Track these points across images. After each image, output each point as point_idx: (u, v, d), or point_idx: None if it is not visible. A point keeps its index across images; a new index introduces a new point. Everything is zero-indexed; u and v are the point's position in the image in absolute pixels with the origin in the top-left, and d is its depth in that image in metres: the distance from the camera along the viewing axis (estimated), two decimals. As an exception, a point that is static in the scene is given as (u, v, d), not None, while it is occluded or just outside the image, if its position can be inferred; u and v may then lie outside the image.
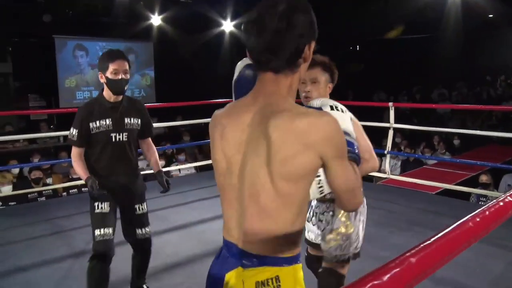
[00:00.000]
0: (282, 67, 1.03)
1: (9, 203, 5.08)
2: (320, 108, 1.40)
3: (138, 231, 2.56)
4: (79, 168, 2.36)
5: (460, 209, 4.28)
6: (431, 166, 7.41)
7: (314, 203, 2.08)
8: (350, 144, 1.23)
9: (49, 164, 6.54)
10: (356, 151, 1.27)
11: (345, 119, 1.37)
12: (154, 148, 2.66)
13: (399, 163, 7.44)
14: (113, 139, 2.40)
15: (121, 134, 2.41)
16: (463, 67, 13.19)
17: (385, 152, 5.21)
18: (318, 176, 1.41)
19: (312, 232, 2.10)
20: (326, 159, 1.00)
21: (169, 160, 7.59)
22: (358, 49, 16.64)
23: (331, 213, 1.96)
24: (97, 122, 2.35)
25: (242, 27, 1.09)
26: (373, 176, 6.31)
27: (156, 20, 12.83)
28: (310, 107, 1.46)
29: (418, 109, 10.99)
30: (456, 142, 8.77)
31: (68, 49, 10.98)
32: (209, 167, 7.56)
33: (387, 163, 5.25)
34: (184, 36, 12.59)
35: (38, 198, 5.31)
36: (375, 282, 0.61)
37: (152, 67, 13.09)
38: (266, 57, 1.02)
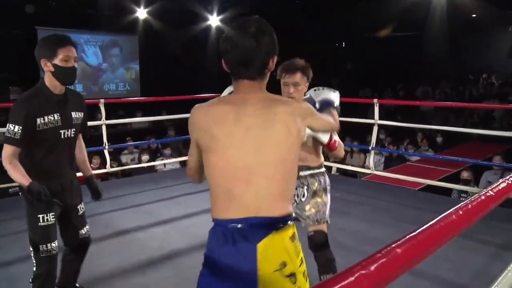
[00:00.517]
0: (253, 77, 1.34)
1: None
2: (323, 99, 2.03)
3: (81, 231, 2.28)
4: (17, 173, 1.98)
5: (442, 204, 4.36)
6: (414, 162, 7.53)
7: None
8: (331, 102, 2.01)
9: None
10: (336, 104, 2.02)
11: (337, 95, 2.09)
12: (84, 146, 2.35)
13: (383, 159, 7.55)
14: (62, 136, 2.08)
15: (69, 131, 2.11)
16: (447, 66, 13.41)
17: (369, 148, 5.27)
18: None
19: None
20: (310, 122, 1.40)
21: (154, 154, 7.55)
22: (344, 46, 16.75)
23: (305, 187, 2.33)
24: (45, 118, 2.00)
25: (220, 41, 1.36)
26: (357, 172, 6.39)
27: (141, 13, 12.71)
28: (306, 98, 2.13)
29: (402, 106, 11.14)
30: (439, 139, 8.94)
31: (52, 41, 10.83)
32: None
33: (371, 159, 5.32)
34: (170, 30, 12.49)
35: (20, 193, 5.23)
36: (363, 272, 0.63)
37: (137, 61, 12.98)
38: (239, 69, 1.33)
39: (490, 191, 1.26)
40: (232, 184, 1.30)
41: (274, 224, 1.29)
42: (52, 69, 2.01)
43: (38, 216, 2.07)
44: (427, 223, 0.96)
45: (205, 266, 1.35)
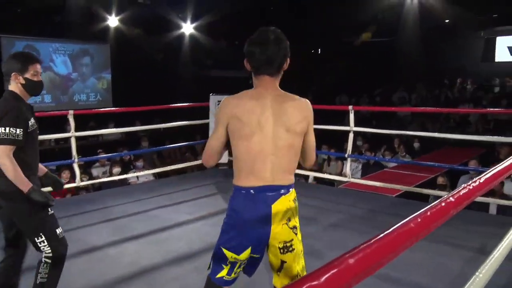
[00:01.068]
0: (274, 73, 1.87)
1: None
2: None
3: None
4: (20, 176, 2.26)
5: (419, 210, 4.45)
6: (391, 169, 7.64)
7: None
8: None
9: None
10: None
11: None
12: None
13: (360, 166, 7.64)
14: (37, 138, 2.47)
15: (37, 133, 2.49)
16: (422, 70, 13.71)
17: (346, 155, 5.35)
18: None
19: None
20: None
21: (127, 166, 7.47)
22: (320, 52, 16.96)
23: None
24: (31, 120, 2.37)
25: (246, 46, 1.86)
26: (334, 180, 6.46)
27: (113, 21, 12.61)
28: None
29: (378, 112, 11.33)
30: (416, 145, 9.07)
31: (17, 49, 10.57)
32: (168, 174, 7.52)
33: (347, 166, 5.40)
34: (142, 38, 12.45)
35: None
36: (312, 283, 0.65)
37: (109, 70, 12.81)
38: (265, 67, 1.84)
39: (450, 197, 1.31)
40: (254, 161, 1.81)
41: (283, 190, 1.83)
42: (23, 81, 2.39)
43: (48, 209, 2.39)
44: (385, 230, 1.00)
45: (228, 222, 1.87)
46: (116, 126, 9.74)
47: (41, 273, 2.33)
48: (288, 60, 1.88)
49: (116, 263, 3.28)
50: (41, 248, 2.34)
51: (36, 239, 2.32)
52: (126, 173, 6.61)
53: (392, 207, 4.75)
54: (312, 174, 6.10)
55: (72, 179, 5.41)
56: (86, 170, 7.23)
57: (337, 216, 4.45)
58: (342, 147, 7.87)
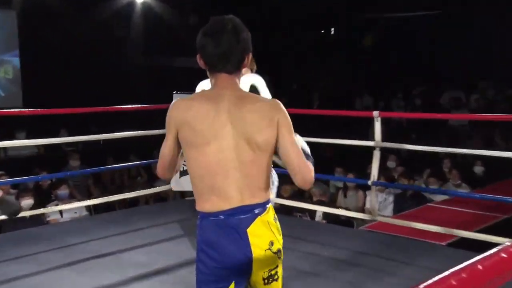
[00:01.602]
0: (231, 71, 2.19)
1: None
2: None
3: None
4: None
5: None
6: (439, 203, 7.65)
7: None
8: None
9: None
10: None
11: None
12: None
13: (391, 198, 7.68)
14: None
15: None
16: (489, 60, 13.68)
17: (369, 182, 5.42)
18: None
19: None
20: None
21: (44, 197, 7.45)
22: (334, 32, 17.19)
23: None
24: None
25: (198, 38, 2.18)
26: (353, 218, 6.51)
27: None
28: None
29: (419, 120, 11.37)
30: (479, 169, 9.04)
31: None
32: (110, 207, 7.52)
33: (373, 198, 5.46)
34: (69, 5, 12.38)
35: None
36: None
37: (17, 51, 12.65)
38: (221, 63, 2.16)
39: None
40: (213, 177, 2.12)
41: (257, 210, 2.15)
42: None
43: None
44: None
45: (201, 259, 2.19)
46: (29, 136, 9.71)
47: None
48: (250, 54, 2.22)
49: None
50: None
51: None
52: (43, 206, 6.59)
53: (442, 261, 4.77)
54: (320, 208, 6.16)
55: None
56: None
57: (357, 271, 4.50)
58: (364, 170, 7.94)
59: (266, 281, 2.20)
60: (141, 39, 14.05)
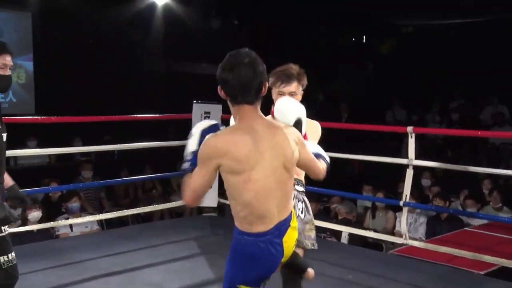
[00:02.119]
0: (252, 101, 2.54)
1: None
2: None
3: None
4: None
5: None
6: (477, 228, 7.56)
7: None
8: None
9: None
10: None
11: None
12: None
13: (422, 219, 7.59)
14: (3, 140, 3.25)
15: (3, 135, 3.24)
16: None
17: (401, 203, 5.38)
18: None
19: None
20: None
21: (54, 209, 7.49)
22: (365, 39, 17.16)
23: (303, 204, 3.36)
24: None
25: (218, 72, 2.52)
26: (382, 240, 6.45)
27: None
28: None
29: (457, 137, 11.23)
30: (523, 192, 8.94)
31: None
32: (124, 222, 7.52)
33: (403, 220, 5.39)
34: (87, 9, 12.47)
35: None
36: None
37: (30, 56, 12.74)
38: (241, 95, 2.51)
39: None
40: (259, 201, 2.50)
41: (289, 220, 2.62)
42: None
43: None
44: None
45: (245, 265, 2.58)
46: (40, 145, 9.77)
47: None
48: (266, 84, 2.60)
49: None
50: None
51: None
52: (52, 219, 6.62)
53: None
54: (346, 229, 6.11)
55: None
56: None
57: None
58: (395, 190, 7.87)
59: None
60: (160, 43, 14.11)
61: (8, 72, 3.20)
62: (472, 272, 5.28)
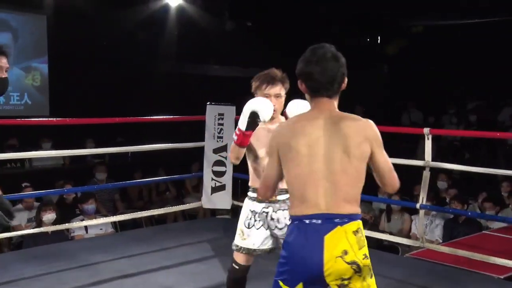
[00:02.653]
0: (331, 95, 2.59)
1: None
2: None
3: None
4: None
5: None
6: (495, 231, 7.51)
7: (254, 208, 3.51)
8: None
9: None
10: None
11: None
12: None
13: (438, 221, 7.56)
14: None
15: None
16: None
17: (417, 205, 5.37)
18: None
19: (255, 237, 3.49)
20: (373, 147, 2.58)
21: (68, 211, 7.54)
22: (380, 40, 17.13)
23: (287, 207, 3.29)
24: None
25: (301, 66, 2.57)
26: (398, 244, 6.42)
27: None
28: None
29: (474, 139, 11.23)
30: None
31: None
32: (137, 224, 7.56)
33: (420, 223, 5.38)
34: (99, 11, 12.52)
35: None
36: None
37: (45, 58, 12.79)
38: (325, 88, 2.56)
39: None
40: (303, 186, 2.52)
41: (338, 220, 2.48)
42: None
43: None
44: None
45: (282, 254, 2.57)
46: (54, 147, 9.85)
47: None
48: (346, 79, 2.62)
49: None
50: None
51: None
52: (67, 221, 6.66)
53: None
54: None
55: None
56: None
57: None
58: (411, 192, 7.84)
59: None
60: (174, 45, 14.15)
61: (4, 75, 3.22)
62: (491, 276, 5.24)
